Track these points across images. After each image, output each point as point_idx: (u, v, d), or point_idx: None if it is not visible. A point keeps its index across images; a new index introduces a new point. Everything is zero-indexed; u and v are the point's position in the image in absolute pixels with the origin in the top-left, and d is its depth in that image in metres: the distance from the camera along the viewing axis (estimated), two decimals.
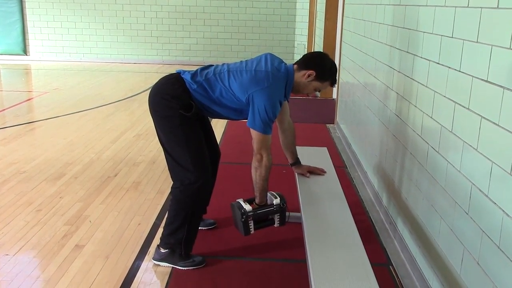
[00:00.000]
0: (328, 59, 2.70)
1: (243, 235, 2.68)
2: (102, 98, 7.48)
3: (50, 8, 11.39)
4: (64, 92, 7.98)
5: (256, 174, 2.60)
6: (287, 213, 2.77)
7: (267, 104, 2.47)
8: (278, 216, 2.71)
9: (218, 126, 5.50)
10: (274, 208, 2.69)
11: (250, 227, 2.65)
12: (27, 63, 11.27)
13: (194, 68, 2.72)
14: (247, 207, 2.63)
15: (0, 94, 8.16)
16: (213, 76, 2.59)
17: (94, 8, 11.36)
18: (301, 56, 2.74)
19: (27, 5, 11.42)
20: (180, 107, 2.55)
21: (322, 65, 2.65)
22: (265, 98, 2.47)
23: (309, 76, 2.61)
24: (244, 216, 2.60)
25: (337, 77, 2.72)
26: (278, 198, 2.70)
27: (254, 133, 2.53)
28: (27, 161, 4.49)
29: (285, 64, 2.65)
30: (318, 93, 7.44)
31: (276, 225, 2.74)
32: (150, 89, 2.71)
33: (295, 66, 2.66)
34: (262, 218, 2.70)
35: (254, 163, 2.59)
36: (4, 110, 6.76)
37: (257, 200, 2.70)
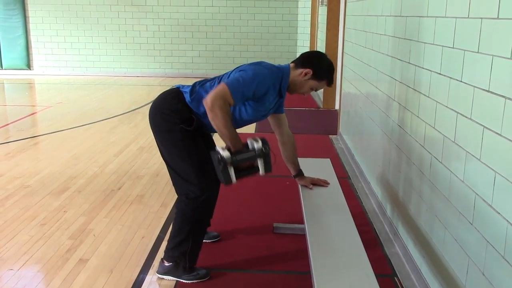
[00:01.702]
0: (326, 58, 2.70)
1: (224, 185, 2.52)
2: (106, 112, 7.50)
3: (54, 23, 11.48)
4: (67, 106, 8.02)
5: (216, 123, 2.41)
6: (284, 225, 2.71)
7: (253, 73, 2.46)
8: (262, 162, 2.50)
9: (222, 140, 5.50)
10: (256, 152, 2.47)
11: (231, 175, 2.44)
12: (31, 78, 11.33)
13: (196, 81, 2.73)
14: (225, 153, 2.41)
15: (4, 109, 8.20)
16: (209, 88, 2.61)
17: (97, 22, 11.45)
18: (299, 55, 2.74)
19: (31, 20, 11.52)
20: (180, 121, 2.56)
21: (319, 64, 2.64)
22: (253, 68, 2.49)
23: (305, 74, 2.60)
24: (222, 163, 2.40)
25: (334, 77, 2.70)
26: (260, 142, 2.48)
27: (219, 85, 2.42)
28: (31, 175, 4.50)
29: (280, 64, 2.67)
30: (320, 104, 7.46)
31: (261, 172, 2.54)
32: (150, 105, 2.72)
33: (292, 64, 2.66)
34: (244, 165, 2.50)
35: (209, 114, 2.39)
36: (8, 124, 6.79)
37: (232, 149, 2.46)
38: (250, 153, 2.47)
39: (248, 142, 2.53)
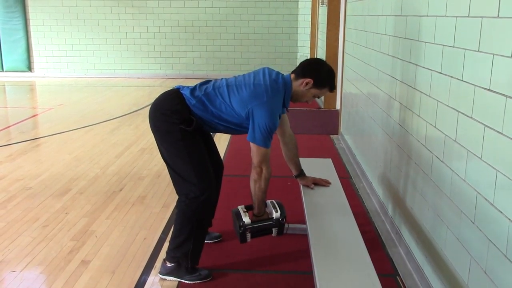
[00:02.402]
0: (325, 65, 2.70)
1: (239, 243, 2.74)
2: (107, 113, 7.51)
3: (54, 25, 11.50)
4: (68, 108, 8.03)
5: (256, 186, 2.62)
6: (286, 225, 2.75)
7: (267, 118, 2.48)
8: (277, 229, 2.73)
9: (222, 140, 5.51)
10: (273, 222, 2.69)
11: (247, 237, 2.69)
12: (31, 80, 11.35)
13: (197, 82, 2.73)
14: (246, 219, 2.65)
15: (5, 111, 8.22)
16: (212, 91, 2.61)
17: (97, 24, 11.47)
18: (298, 64, 2.74)
19: (31, 22, 11.53)
20: (180, 122, 2.56)
21: (319, 72, 2.64)
22: (264, 112, 2.49)
23: (307, 84, 2.61)
24: (242, 229, 2.64)
25: (335, 82, 2.71)
26: (279, 212, 2.69)
27: (254, 147, 2.55)
28: (33, 177, 4.51)
29: (282, 75, 2.66)
30: (322, 105, 7.46)
31: (273, 235, 2.77)
32: (150, 106, 2.73)
33: (293, 75, 2.66)
34: (260, 230, 2.72)
35: (254, 176, 2.60)
36: (9, 126, 6.80)
37: (255, 211, 2.70)
38: (269, 223, 2.69)
39: (268, 205, 2.74)
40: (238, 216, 2.67)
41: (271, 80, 2.57)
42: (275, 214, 2.69)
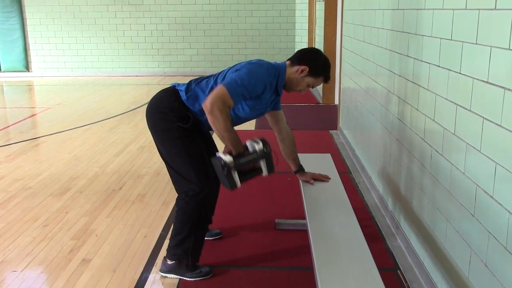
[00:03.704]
0: (321, 54, 2.70)
1: (229, 189, 2.50)
2: (105, 112, 7.50)
3: (51, 24, 11.47)
4: (67, 107, 8.02)
5: (216, 127, 2.40)
6: (286, 221, 2.71)
7: (249, 72, 2.44)
8: (265, 163, 2.51)
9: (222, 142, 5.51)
10: (258, 154, 2.47)
11: (236, 179, 2.44)
12: (29, 80, 11.33)
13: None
14: (227, 157, 2.40)
15: (4, 111, 8.20)
16: (204, 83, 2.61)
17: (94, 22, 11.44)
18: (295, 52, 2.73)
19: (28, 22, 11.50)
20: (177, 119, 2.55)
21: (315, 60, 2.63)
22: (250, 68, 2.47)
23: (302, 71, 2.60)
24: (225, 168, 2.39)
25: (330, 73, 2.68)
26: (261, 143, 2.48)
27: (217, 88, 2.39)
28: (32, 177, 4.51)
29: (276, 62, 2.66)
30: (320, 100, 7.46)
31: (264, 173, 2.55)
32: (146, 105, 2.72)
33: (288, 62, 2.65)
34: (247, 167, 2.50)
35: (210, 119, 2.38)
36: (8, 126, 6.79)
37: (233, 153, 2.46)
38: (252, 155, 2.47)
39: (248, 144, 2.52)
40: (218, 158, 2.42)
41: (266, 61, 2.59)
42: (257, 146, 2.47)
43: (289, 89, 2.68)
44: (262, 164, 2.51)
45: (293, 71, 2.61)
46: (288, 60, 2.66)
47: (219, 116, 2.34)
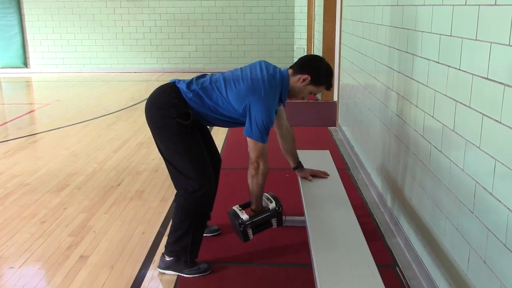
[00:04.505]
0: (324, 62, 2.69)
1: (243, 242, 2.73)
2: (104, 108, 7.49)
3: (49, 20, 11.44)
4: (65, 104, 8.00)
5: (253, 181, 2.61)
6: (284, 217, 2.76)
7: (263, 113, 2.47)
8: (276, 220, 2.74)
9: (220, 133, 5.50)
10: (270, 213, 2.70)
11: (249, 234, 2.68)
12: (28, 76, 11.31)
13: (194, 76, 2.71)
14: (244, 216, 2.64)
15: (2, 107, 8.18)
16: (209, 84, 2.59)
17: (93, 18, 11.42)
18: (296, 60, 2.73)
19: (26, 18, 11.48)
20: (177, 116, 2.54)
21: (317, 69, 2.63)
22: (261, 107, 2.47)
23: (304, 80, 2.60)
24: (242, 226, 2.63)
25: (332, 81, 2.71)
26: (274, 202, 2.71)
27: (251, 142, 2.53)
28: (30, 173, 4.50)
29: (280, 69, 2.64)
30: (319, 97, 7.45)
31: (274, 226, 2.77)
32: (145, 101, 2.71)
33: (290, 70, 2.65)
34: (260, 224, 2.72)
35: (251, 171, 2.58)
36: (6, 123, 6.77)
37: (253, 207, 2.71)
38: (266, 215, 2.71)
39: (263, 200, 2.75)
40: (235, 215, 2.67)
41: (269, 75, 2.56)
42: (271, 205, 2.71)
43: (291, 96, 2.70)
44: (274, 221, 2.75)
45: (295, 80, 2.61)
46: (290, 68, 2.66)
47: (264, 171, 2.58)
